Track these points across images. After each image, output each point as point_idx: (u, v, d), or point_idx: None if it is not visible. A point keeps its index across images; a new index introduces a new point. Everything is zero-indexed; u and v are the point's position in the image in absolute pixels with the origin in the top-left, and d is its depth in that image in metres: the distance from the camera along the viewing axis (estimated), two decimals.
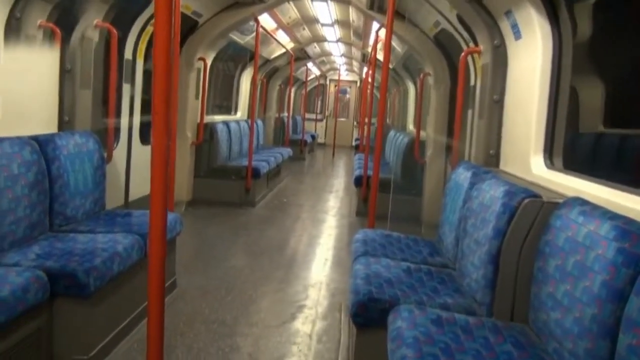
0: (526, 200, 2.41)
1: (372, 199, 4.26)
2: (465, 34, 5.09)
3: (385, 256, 3.26)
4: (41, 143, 3.23)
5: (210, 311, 3.65)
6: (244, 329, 3.41)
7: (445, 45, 6.13)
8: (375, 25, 7.11)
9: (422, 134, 6.82)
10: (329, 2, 6.90)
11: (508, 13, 3.45)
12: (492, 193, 2.69)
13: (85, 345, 2.71)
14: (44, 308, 2.52)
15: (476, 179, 3.16)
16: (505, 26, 3.60)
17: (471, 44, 5.08)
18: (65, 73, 3.74)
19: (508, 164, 3.65)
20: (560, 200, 2.32)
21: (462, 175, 3.47)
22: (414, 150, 6.72)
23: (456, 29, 5.21)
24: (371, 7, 6.20)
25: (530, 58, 3.26)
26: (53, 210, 3.29)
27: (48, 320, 2.57)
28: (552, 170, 3.04)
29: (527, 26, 3.24)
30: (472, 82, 5.20)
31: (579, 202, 2.14)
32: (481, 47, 4.03)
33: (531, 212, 2.39)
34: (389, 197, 6.27)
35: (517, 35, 3.44)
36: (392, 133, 9.99)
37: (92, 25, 4.03)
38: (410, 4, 5.65)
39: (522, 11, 3.22)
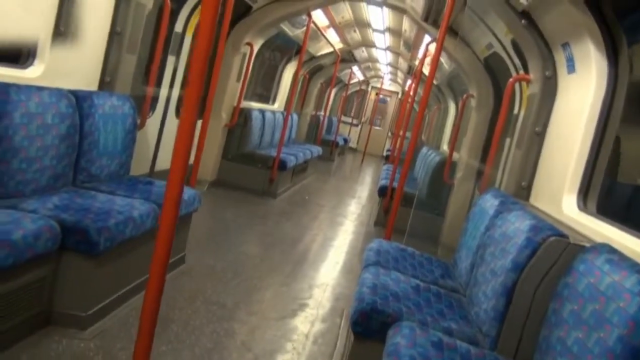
0: (551, 238, 2.31)
1: (393, 210, 4.18)
2: (516, 60, 4.97)
3: (396, 270, 3.19)
4: (78, 98, 3.27)
5: (212, 292, 3.65)
6: (242, 316, 3.39)
7: (494, 69, 6.01)
8: (426, 39, 7.01)
9: (455, 155, 6.71)
10: (384, 8, 6.83)
11: (565, 45, 3.33)
12: (517, 225, 2.59)
13: (85, 303, 2.73)
14: (51, 259, 2.55)
15: (503, 207, 3.06)
16: (560, 58, 3.48)
17: (521, 72, 4.96)
18: (114, 35, 3.78)
19: (538, 199, 3.53)
20: (588, 244, 2.22)
21: (489, 202, 3.37)
22: (444, 170, 6.60)
23: (508, 54, 5.09)
24: (426, 20, 6.11)
25: (581, 94, 3.14)
26: (78, 165, 3.33)
27: (53, 272, 2.59)
28: (583, 213, 2.92)
29: (583, 61, 3.12)
30: (515, 111, 5.08)
31: (607, 250, 2.03)
32: (531, 75, 3.92)
33: (555, 251, 2.29)
34: (410, 212, 6.19)
35: (571, 68, 3.32)
36: (424, 149, 9.87)
37: None
38: (465, 22, 5.54)
39: (580, 45, 3.11)
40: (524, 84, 4.77)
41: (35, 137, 2.84)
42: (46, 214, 2.60)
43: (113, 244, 2.71)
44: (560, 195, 3.12)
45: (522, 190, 3.77)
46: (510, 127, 4.95)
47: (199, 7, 5.22)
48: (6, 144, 2.65)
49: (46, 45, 3.16)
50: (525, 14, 3.58)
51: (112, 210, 2.84)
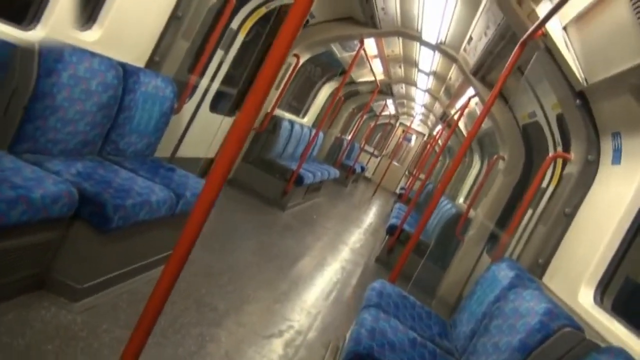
0: (567, 329, 2.24)
1: (403, 256, 4.10)
2: (557, 136, 4.93)
3: (396, 317, 3.11)
4: (126, 72, 3.28)
5: (206, 293, 3.59)
6: (231, 324, 3.31)
7: (531, 138, 5.97)
8: (469, 91, 6.99)
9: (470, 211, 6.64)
10: (436, 52, 6.85)
11: (616, 135, 3.28)
12: (532, 305, 2.52)
13: (82, 275, 2.68)
14: (62, 224, 2.51)
15: (518, 281, 2.99)
16: (606, 146, 3.43)
17: (559, 148, 4.91)
18: (174, 19, 3.80)
19: (553, 281, 3.44)
20: (603, 345, 2.14)
21: (503, 272, 3.30)
22: (456, 224, 6.52)
23: (550, 127, 5.05)
24: (474, 74, 6.11)
25: (621, 188, 3.08)
26: (109, 137, 3.32)
27: (60, 238, 2.56)
28: (598, 308, 2.83)
29: (631, 155, 3.07)
30: (544, 184, 5.02)
31: (623, 355, 1.96)
32: (572, 155, 3.86)
33: (568, 342, 2.21)
34: (417, 260, 6.12)
35: (616, 160, 3.26)
36: (441, 198, 9.78)
37: None
38: (513, 84, 5.52)
39: (631, 138, 3.06)
40: (559, 159, 4.73)
41: (76, 101, 2.83)
42: (68, 178, 2.58)
43: (125, 224, 2.68)
44: (577, 284, 3.04)
45: (538, 267, 3.69)
46: (536, 199, 4.88)
47: (260, 9, 5.28)
48: (48, 101, 2.64)
49: (108, 12, 3.18)
50: (581, 95, 3.54)
51: (131, 190, 2.81)
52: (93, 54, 2.95)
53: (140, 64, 3.77)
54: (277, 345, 3.38)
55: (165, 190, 3.15)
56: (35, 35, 2.69)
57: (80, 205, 2.50)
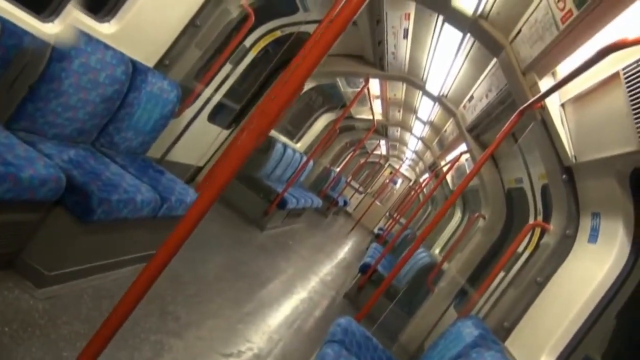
0: None
1: (373, 297, 4.11)
2: (539, 205, 5.05)
3: (357, 357, 3.11)
4: (135, 69, 3.31)
5: (171, 301, 3.54)
6: (191, 337, 3.27)
7: (514, 201, 6.10)
8: (462, 147, 7.15)
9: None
10: (437, 104, 7.02)
11: (595, 215, 3.39)
12: None
13: (52, 263, 2.64)
14: (44, 208, 2.49)
15: (482, 341, 3.02)
16: (585, 224, 3.53)
17: (539, 217, 5.03)
18: (191, 26, 3.87)
19: (516, 346, 3.48)
20: None
21: (468, 329, 3.32)
22: (429, 273, 6.56)
23: (534, 196, 5.19)
24: (470, 131, 6.27)
25: (593, 267, 3.16)
26: (106, 129, 3.33)
27: (39, 221, 2.53)
28: None
29: (608, 237, 3.16)
30: (520, 249, 5.12)
31: None
32: (551, 227, 3.96)
33: None
34: (385, 302, 6.12)
35: (593, 239, 3.36)
36: None
37: (238, 1, 4.20)
38: (505, 148, 5.67)
39: (610, 221, 3.16)
40: (538, 228, 4.84)
41: (81, 89, 2.85)
42: (59, 163, 2.57)
43: (106, 218, 2.66)
44: (538, 353, 3.08)
45: (503, 330, 3.73)
46: (510, 263, 4.97)
47: (275, 32, 5.39)
48: (55, 85, 2.65)
49: (130, 9, 3.23)
50: (568, 170, 3.66)
51: (119, 186, 2.80)
52: (107, 47, 2.99)
53: (150, 64, 3.81)
54: None
55: (152, 191, 3.15)
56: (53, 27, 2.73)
57: (65, 192, 2.49)
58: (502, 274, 4.98)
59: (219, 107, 5.69)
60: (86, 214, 2.52)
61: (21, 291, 2.53)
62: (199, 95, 4.92)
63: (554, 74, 3.54)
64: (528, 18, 3.30)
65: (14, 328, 2.29)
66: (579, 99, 3.31)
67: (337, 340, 3.16)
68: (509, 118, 3.86)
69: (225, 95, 5.67)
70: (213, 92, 5.29)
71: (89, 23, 2.99)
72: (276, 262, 6.54)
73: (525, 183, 5.36)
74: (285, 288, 5.78)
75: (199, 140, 5.59)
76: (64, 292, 2.76)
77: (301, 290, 6.12)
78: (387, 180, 18.41)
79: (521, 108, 3.61)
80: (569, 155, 3.47)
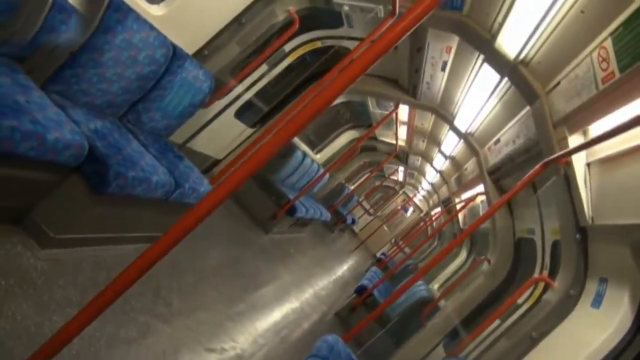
0: None
1: (365, 321, 4.08)
2: (547, 259, 4.99)
3: None
4: (175, 54, 3.37)
5: (166, 286, 3.54)
6: (178, 325, 3.27)
7: (522, 251, 6.02)
8: (480, 188, 7.10)
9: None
10: (462, 140, 7.00)
11: (603, 280, 3.33)
12: None
13: (59, 226, 2.67)
14: (62, 172, 2.53)
15: None
16: (591, 287, 3.47)
17: (545, 272, 4.96)
18: (236, 23, 3.93)
19: None
20: None
21: None
22: (424, 307, 6.50)
23: (543, 249, 5.12)
24: (490, 173, 6.23)
25: (592, 332, 3.10)
26: (135, 106, 3.38)
27: (55, 184, 2.57)
28: None
29: (612, 304, 3.11)
30: (520, 300, 5.05)
31: None
32: (556, 284, 3.89)
33: None
34: (374, 327, 6.06)
35: (596, 303, 3.30)
36: None
37: (286, 6, 4.26)
38: (522, 197, 5.62)
39: (617, 290, 3.10)
40: (542, 283, 4.76)
41: (120, 64, 2.91)
42: (85, 131, 2.62)
43: (119, 193, 2.70)
44: None
45: None
46: (507, 312, 4.90)
47: (315, 42, 5.45)
48: (96, 55, 2.71)
49: None
50: (582, 230, 3.61)
51: (137, 164, 2.84)
52: (152, 28, 3.05)
53: (190, 51, 3.87)
54: None
55: (168, 175, 3.18)
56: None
57: (85, 161, 2.53)
58: (497, 322, 4.91)
59: (248, 105, 5.74)
60: (101, 185, 2.56)
61: (24, 248, 2.56)
62: (230, 90, 4.97)
63: (585, 132, 3.51)
64: (569, 72, 3.29)
65: (10, 282, 2.32)
66: (606, 161, 3.28)
67: (321, 356, 3.13)
68: (531, 167, 3.83)
69: (256, 95, 5.72)
70: (244, 90, 5.35)
71: (139, 2, 3.06)
72: (275, 267, 6.53)
73: (537, 235, 5.30)
74: (279, 295, 5.77)
75: (222, 133, 5.64)
76: (65, 257, 2.78)
77: (294, 300, 6.10)
78: (399, 207, 18.32)
79: (546, 160, 3.58)
80: (586, 215, 3.42)
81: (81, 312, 1.73)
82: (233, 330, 3.93)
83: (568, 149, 3.18)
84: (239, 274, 5.12)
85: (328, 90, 1.71)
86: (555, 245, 4.69)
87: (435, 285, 9.91)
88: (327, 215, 10.19)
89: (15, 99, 2.19)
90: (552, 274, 4.56)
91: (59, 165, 2.41)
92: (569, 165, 3.52)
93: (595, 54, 2.92)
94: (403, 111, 8.00)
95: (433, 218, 13.62)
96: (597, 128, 3.35)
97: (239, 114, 5.68)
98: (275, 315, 5.10)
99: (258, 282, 5.43)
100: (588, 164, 3.47)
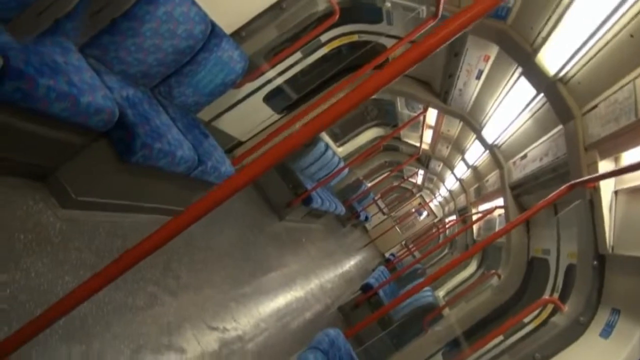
0: None
1: (368, 319, 4.08)
2: (560, 282, 4.91)
3: None
4: (213, 32, 3.37)
5: (178, 259, 3.58)
6: (185, 299, 3.31)
7: (534, 271, 5.94)
8: (499, 201, 7.01)
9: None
10: (487, 151, 6.91)
11: (615, 311, 3.27)
12: None
13: (82, 188, 2.71)
14: (90, 136, 2.55)
15: None
16: (602, 316, 3.41)
17: (556, 295, 4.89)
18: (277, 7, 3.92)
19: None
20: None
21: None
22: (428, 313, 6.46)
23: (557, 272, 5.05)
24: (512, 188, 6.14)
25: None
26: (168, 80, 3.40)
27: (82, 146, 2.59)
28: None
29: (622, 336, 3.05)
30: (526, 319, 4.99)
31: None
32: (566, 308, 3.83)
33: None
34: (375, 326, 6.06)
35: (606, 333, 3.24)
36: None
37: None
38: (542, 216, 5.52)
39: (629, 322, 3.04)
40: (551, 305, 4.69)
41: (158, 35, 2.93)
42: (117, 98, 2.64)
43: (143, 163, 2.72)
44: None
45: None
46: (511, 330, 4.85)
47: (353, 35, 5.41)
48: (136, 24, 2.73)
49: None
50: (601, 258, 3.55)
51: (164, 136, 2.86)
52: (193, 3, 3.06)
53: (228, 30, 3.86)
54: (215, 340, 3.36)
55: (192, 151, 3.19)
56: None
57: (114, 127, 2.55)
58: (500, 337, 4.86)
59: (277, 91, 5.73)
60: (127, 153, 2.58)
61: (45, 206, 2.60)
62: (262, 73, 4.96)
63: (617, 159, 3.43)
64: (609, 96, 3.21)
65: (29, 238, 2.37)
66: (634, 192, 3.20)
67: (322, 349, 3.13)
68: (555, 187, 3.74)
69: (287, 81, 5.71)
70: (276, 75, 5.34)
71: None
72: (284, 254, 6.55)
73: (552, 256, 5.22)
74: (285, 282, 5.79)
75: (249, 116, 5.65)
76: (84, 219, 2.82)
77: (299, 289, 6.12)
78: (414, 210, 18.21)
79: (573, 182, 3.50)
80: (607, 243, 3.35)
81: (95, 276, 1.76)
82: (237, 312, 3.96)
83: (597, 174, 3.11)
84: (249, 256, 5.14)
85: (364, 87, 1.69)
86: (569, 269, 4.61)
87: (441, 293, 9.85)
88: (341, 209, 10.17)
89: (54, 58, 2.21)
90: (563, 297, 4.49)
91: (89, 129, 2.43)
92: (596, 190, 3.45)
93: (639, 81, 2.84)
94: (431, 115, 7.92)
95: (447, 226, 13.50)
96: (630, 156, 3.27)
97: (267, 99, 5.68)
98: (280, 301, 5.12)
99: (266, 267, 5.45)
100: (616, 192, 3.39)
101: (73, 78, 2.23)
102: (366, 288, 7.12)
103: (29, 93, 1.94)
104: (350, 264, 11.29)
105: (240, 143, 6.08)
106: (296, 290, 5.95)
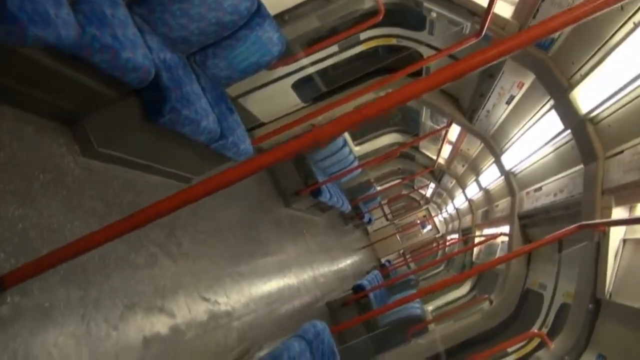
0: None
1: (354, 320, 4.12)
2: (551, 319, 4.92)
3: None
4: (258, 11, 3.40)
5: (182, 226, 3.62)
6: (183, 266, 3.35)
7: (527, 303, 5.94)
8: (505, 228, 7.00)
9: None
10: (502, 177, 6.88)
11: (601, 357, 3.28)
12: None
13: (105, 140, 2.74)
14: (122, 91, 2.58)
15: None
16: (589, 357, 3.43)
17: (545, 330, 4.89)
18: None
19: None
20: None
21: None
22: (413, 325, 6.49)
23: (549, 308, 5.05)
24: (520, 218, 6.13)
25: None
26: (206, 50, 3.43)
27: (113, 100, 2.62)
28: None
29: None
30: (510, 349, 5.00)
31: None
32: (552, 345, 3.84)
33: None
34: (362, 331, 6.10)
35: None
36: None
37: None
38: (546, 251, 5.50)
39: None
40: (537, 339, 4.70)
41: (205, 5, 2.98)
42: (155, 59, 2.68)
43: (168, 126, 2.75)
44: None
45: None
46: (493, 356, 4.86)
47: (391, 38, 5.42)
48: None
49: None
50: (597, 302, 3.55)
51: (192, 105, 2.89)
52: None
53: (272, 12, 3.89)
54: (205, 311, 3.41)
55: (216, 123, 3.23)
56: None
57: (147, 87, 2.59)
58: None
59: (307, 80, 5.75)
60: (155, 114, 2.62)
61: (68, 151, 2.66)
62: (296, 60, 4.99)
63: (632, 208, 3.42)
64: (636, 145, 3.20)
65: (47, 179, 2.42)
66: None
67: (307, 339, 3.18)
68: (564, 225, 3.75)
69: (318, 72, 5.73)
70: (309, 64, 5.36)
71: None
72: (284, 241, 6.60)
73: (548, 292, 5.22)
74: (280, 268, 5.83)
75: (275, 99, 5.68)
76: (101, 170, 2.88)
77: (293, 277, 6.16)
78: (418, 222, 18.20)
79: (583, 223, 3.50)
80: (606, 289, 3.36)
81: (106, 228, 1.80)
82: (230, 288, 4.01)
83: (610, 219, 3.11)
84: (250, 237, 5.19)
85: (397, 94, 1.71)
86: (563, 307, 4.62)
87: (429, 307, 9.87)
88: (347, 207, 10.20)
89: (103, 10, 2.25)
90: (551, 334, 4.49)
91: (123, 84, 2.47)
92: (605, 235, 3.45)
93: None
94: (453, 131, 7.90)
95: (447, 243, 13.48)
96: None
97: (296, 86, 5.71)
98: (272, 286, 5.17)
99: (265, 250, 5.50)
100: (624, 240, 3.39)
101: (117, 32, 2.27)
102: (358, 289, 7.15)
103: (75, 40, 1.97)
104: (346, 262, 11.33)
105: (262, 124, 6.12)
106: (289, 278, 6.00)
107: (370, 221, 16.80)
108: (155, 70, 2.60)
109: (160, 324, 2.83)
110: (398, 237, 19.22)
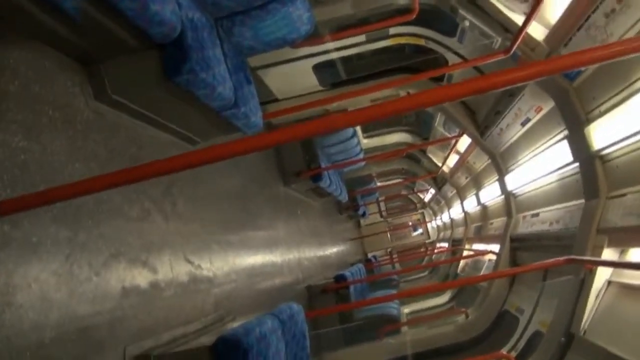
0: None
1: (330, 309, 4.16)
2: (523, 343, 4.96)
3: (285, 345, 3.17)
4: None
5: (179, 187, 3.61)
6: (173, 226, 3.36)
7: (502, 324, 5.99)
8: (495, 247, 7.03)
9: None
10: (503, 196, 6.88)
11: None
12: None
13: (120, 88, 2.73)
14: (144, 43, 2.54)
15: None
16: None
17: (513, 353, 4.94)
18: None
19: None
20: None
21: None
22: (387, 324, 6.55)
23: (523, 333, 5.09)
24: (512, 240, 6.15)
25: None
26: (234, 16, 3.41)
27: (133, 50, 2.60)
28: None
29: None
30: None
31: None
32: None
33: None
34: (334, 320, 6.16)
35: None
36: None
37: None
38: (530, 277, 5.53)
39: None
40: None
41: None
42: (183, 17, 2.66)
43: (184, 86, 2.75)
44: None
45: None
46: None
47: (419, 38, 5.37)
48: None
49: None
50: (570, 336, 3.58)
51: (211, 69, 2.88)
52: None
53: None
54: (187, 274, 3.44)
55: (232, 92, 3.22)
56: None
57: (170, 43, 2.58)
58: None
59: (330, 64, 5.73)
60: (173, 72, 2.62)
61: (81, 92, 2.65)
62: (322, 43, 4.96)
63: (623, 252, 3.44)
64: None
65: (56, 115, 2.43)
66: (629, 288, 3.22)
67: (281, 319, 3.22)
68: (553, 255, 3.76)
69: (342, 59, 5.70)
70: (334, 50, 5.33)
71: None
72: (277, 218, 6.62)
73: (524, 317, 5.26)
74: (268, 245, 5.86)
75: (294, 78, 5.66)
76: (110, 116, 2.88)
77: (278, 256, 6.20)
78: (410, 224, 18.25)
79: (572, 257, 3.52)
80: (581, 327, 3.38)
81: (108, 175, 1.81)
82: (216, 255, 4.04)
83: (600, 259, 3.13)
84: (244, 209, 5.21)
85: (418, 97, 1.70)
86: (536, 335, 4.66)
87: (406, 310, 9.95)
88: (344, 197, 10.23)
89: None
90: (519, 359, 4.54)
91: (147, 36, 2.46)
92: (592, 273, 3.47)
93: None
94: (463, 142, 7.88)
95: (436, 250, 13.54)
96: (636, 254, 3.27)
97: (317, 68, 5.68)
98: (257, 260, 5.21)
99: (256, 224, 5.52)
100: (609, 282, 3.41)
101: None
102: (340, 279, 7.21)
103: None
104: (332, 250, 11.38)
105: (276, 100, 6.10)
106: (275, 255, 6.03)
107: (364, 215, 16.83)
108: (181, 28, 2.58)
109: (141, 277, 2.86)
110: (389, 235, 19.28)
